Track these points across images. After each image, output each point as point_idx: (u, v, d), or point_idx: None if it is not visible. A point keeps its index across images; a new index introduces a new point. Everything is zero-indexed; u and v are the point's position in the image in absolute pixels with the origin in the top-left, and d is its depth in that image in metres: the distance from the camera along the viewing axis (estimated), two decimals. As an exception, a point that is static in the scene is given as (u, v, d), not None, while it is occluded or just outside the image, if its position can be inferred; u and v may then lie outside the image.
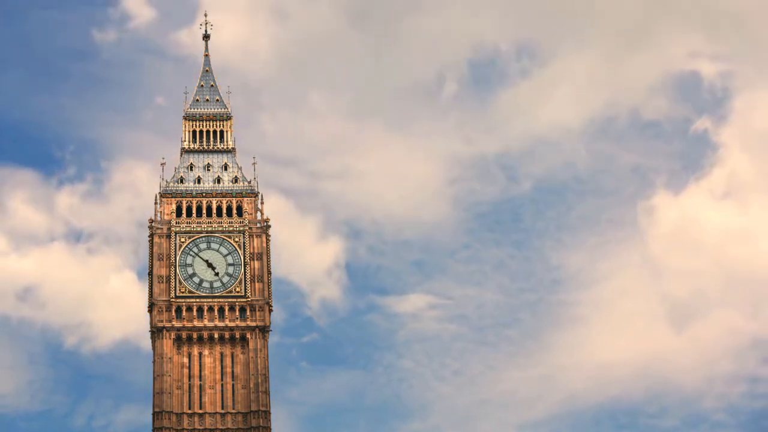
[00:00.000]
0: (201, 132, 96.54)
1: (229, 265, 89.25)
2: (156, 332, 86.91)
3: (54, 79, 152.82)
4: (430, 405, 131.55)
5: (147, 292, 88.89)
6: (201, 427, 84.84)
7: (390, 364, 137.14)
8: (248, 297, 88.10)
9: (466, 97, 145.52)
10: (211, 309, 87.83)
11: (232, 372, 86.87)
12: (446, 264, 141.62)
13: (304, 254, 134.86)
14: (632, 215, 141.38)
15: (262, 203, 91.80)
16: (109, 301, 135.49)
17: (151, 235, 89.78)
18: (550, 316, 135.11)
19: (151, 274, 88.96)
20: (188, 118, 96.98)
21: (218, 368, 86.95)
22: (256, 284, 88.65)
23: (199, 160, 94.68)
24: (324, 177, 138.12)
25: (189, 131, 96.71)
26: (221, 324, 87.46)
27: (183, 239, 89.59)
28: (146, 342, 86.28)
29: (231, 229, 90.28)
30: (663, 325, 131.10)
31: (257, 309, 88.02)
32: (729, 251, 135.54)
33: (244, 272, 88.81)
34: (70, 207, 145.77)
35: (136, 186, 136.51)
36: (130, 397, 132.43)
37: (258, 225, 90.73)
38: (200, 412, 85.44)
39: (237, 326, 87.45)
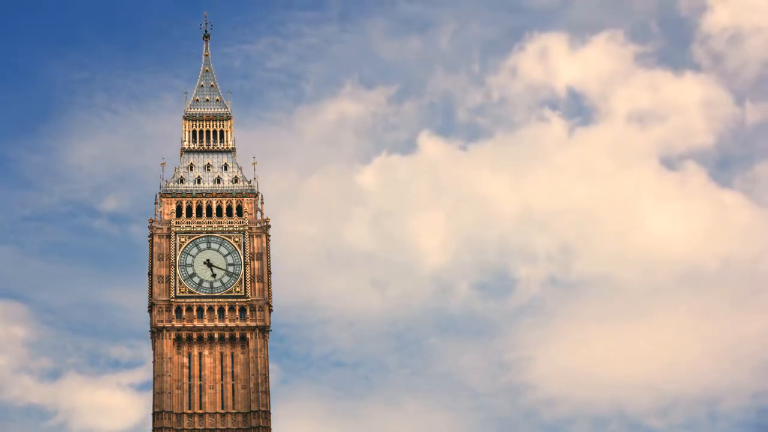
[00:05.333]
0: (201, 132, 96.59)
1: (229, 265, 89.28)
2: (156, 332, 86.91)
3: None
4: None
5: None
6: (201, 427, 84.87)
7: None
8: (248, 297, 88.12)
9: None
10: (211, 309, 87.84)
11: (232, 372, 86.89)
12: (395, 376, 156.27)
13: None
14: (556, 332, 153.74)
15: (262, 203, 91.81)
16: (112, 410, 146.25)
17: (151, 235, 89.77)
18: (495, 419, 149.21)
19: (151, 274, 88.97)
20: (188, 118, 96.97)
21: (218, 368, 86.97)
22: (256, 284, 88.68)
23: (199, 160, 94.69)
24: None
25: (189, 131, 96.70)
26: (221, 324, 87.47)
27: (183, 239, 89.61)
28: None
29: (231, 229, 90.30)
30: (589, 427, 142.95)
31: (257, 309, 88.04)
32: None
33: (244, 272, 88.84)
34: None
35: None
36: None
37: (258, 225, 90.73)
38: (200, 412, 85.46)
39: (237, 326, 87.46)
